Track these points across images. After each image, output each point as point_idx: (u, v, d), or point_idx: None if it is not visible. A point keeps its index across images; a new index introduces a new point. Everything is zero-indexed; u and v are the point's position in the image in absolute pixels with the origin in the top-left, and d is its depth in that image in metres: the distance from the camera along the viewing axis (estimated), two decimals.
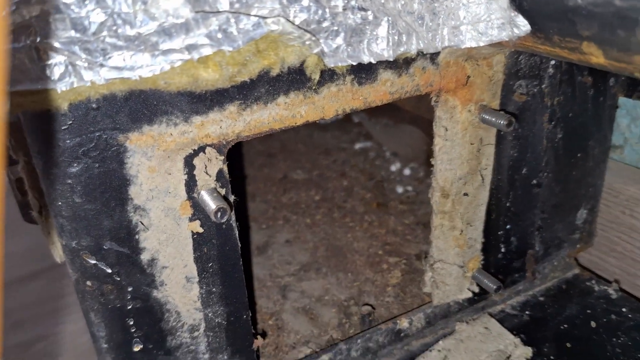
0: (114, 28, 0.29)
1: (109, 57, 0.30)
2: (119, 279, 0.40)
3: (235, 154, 1.06)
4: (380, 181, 0.94)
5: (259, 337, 0.50)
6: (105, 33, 0.29)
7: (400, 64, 0.45)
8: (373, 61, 0.39)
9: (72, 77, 0.31)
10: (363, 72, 0.43)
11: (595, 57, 0.33)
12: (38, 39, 0.28)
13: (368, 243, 0.77)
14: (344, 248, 0.76)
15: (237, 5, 0.32)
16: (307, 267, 0.73)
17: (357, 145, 1.08)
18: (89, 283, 0.40)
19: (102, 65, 0.31)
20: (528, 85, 0.53)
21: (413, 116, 1.04)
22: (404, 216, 0.83)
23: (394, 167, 0.98)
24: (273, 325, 0.62)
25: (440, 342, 0.57)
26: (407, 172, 0.96)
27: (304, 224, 0.83)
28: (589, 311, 0.63)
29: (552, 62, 0.53)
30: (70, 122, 0.34)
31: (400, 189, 0.91)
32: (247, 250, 0.76)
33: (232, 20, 0.32)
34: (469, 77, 0.49)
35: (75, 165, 0.36)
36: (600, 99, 0.58)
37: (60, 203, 0.36)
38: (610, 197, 0.69)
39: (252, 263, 0.73)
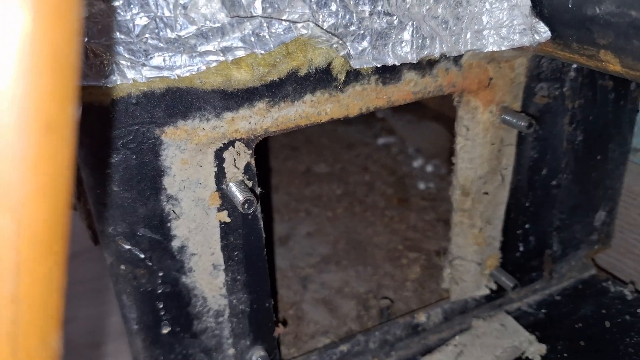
0: (156, 31, 0.32)
1: (151, 58, 0.33)
2: (150, 263, 0.43)
3: (262, 148, 1.09)
4: (402, 177, 0.95)
5: (280, 325, 0.52)
6: (147, 35, 0.31)
7: (424, 65, 0.46)
8: (397, 64, 0.41)
9: (116, 75, 0.33)
10: (387, 72, 0.45)
11: (612, 64, 0.34)
12: (86, 39, 0.31)
13: (388, 238, 0.78)
14: (364, 242, 0.78)
15: (269, 11, 0.34)
16: (328, 259, 0.75)
17: (380, 141, 1.09)
18: (122, 267, 0.42)
19: (144, 65, 0.33)
20: (549, 87, 0.54)
21: (436, 113, 1.05)
22: (424, 212, 0.84)
23: (416, 164, 0.99)
24: (293, 315, 0.64)
25: (457, 337, 0.59)
26: (429, 168, 0.97)
27: (325, 217, 0.85)
28: (603, 311, 0.64)
29: (574, 65, 0.54)
30: (112, 116, 0.36)
31: (422, 185, 0.92)
32: (271, 242, 0.78)
33: (265, 24, 0.34)
34: (491, 79, 0.50)
35: (114, 156, 0.38)
36: (620, 102, 0.59)
37: (98, 191, 0.39)
38: (629, 199, 0.69)
39: (274, 254, 0.75)
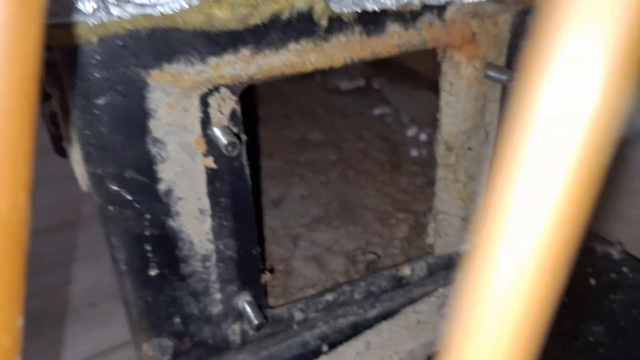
0: None
1: None
2: (138, 206, 0.44)
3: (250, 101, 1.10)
4: (396, 144, 0.96)
5: (267, 272, 0.54)
6: None
7: (408, 18, 0.47)
8: (377, 9, 0.42)
9: (102, 11, 0.34)
10: (371, 24, 0.46)
11: None
12: None
13: (379, 200, 0.80)
14: (356, 204, 0.79)
15: None
16: (319, 220, 0.76)
17: (376, 111, 1.10)
18: (111, 208, 0.44)
19: (128, 2, 0.34)
20: None
21: (431, 82, 1.06)
22: (416, 177, 0.86)
23: (410, 132, 1.00)
24: (283, 270, 0.66)
25: (440, 289, 0.60)
26: (423, 136, 0.98)
27: (319, 181, 0.86)
28: (589, 269, 0.65)
29: None
30: (99, 57, 0.38)
31: (414, 153, 0.93)
32: (259, 199, 0.80)
33: None
34: (474, 34, 0.51)
35: (102, 97, 0.39)
36: None
37: (87, 132, 0.40)
38: (618, 163, 0.71)
39: (263, 212, 0.77)
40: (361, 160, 0.92)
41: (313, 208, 0.79)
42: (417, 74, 1.10)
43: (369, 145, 0.97)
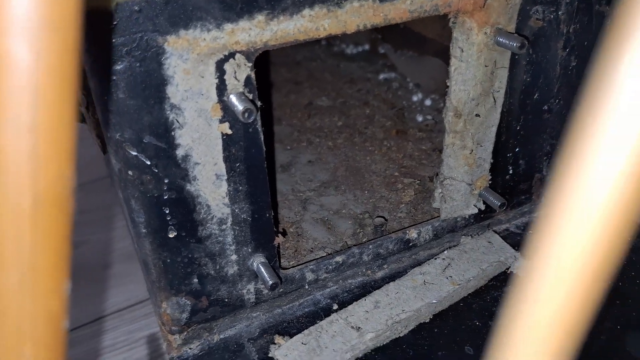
0: None
1: None
2: (156, 170, 0.45)
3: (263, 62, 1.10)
4: (402, 110, 0.97)
5: (279, 235, 0.56)
6: None
7: None
8: None
9: None
10: None
11: None
12: None
13: (385, 165, 0.81)
14: (363, 169, 0.80)
15: None
16: (327, 184, 0.78)
17: (382, 76, 1.10)
18: (130, 172, 0.45)
19: None
20: (545, 11, 0.55)
21: (438, 48, 1.05)
22: (421, 143, 0.87)
23: (415, 98, 1.00)
24: (293, 232, 0.68)
25: (445, 251, 0.62)
26: (428, 102, 0.98)
27: (326, 146, 0.87)
28: None
29: None
30: (116, 22, 0.38)
31: (420, 118, 0.94)
32: (273, 165, 0.81)
33: None
34: (486, 0, 0.52)
35: (119, 63, 0.40)
36: None
37: (105, 98, 0.41)
38: None
39: (276, 177, 0.79)
40: (367, 126, 0.93)
41: (321, 173, 0.80)
42: (423, 39, 1.09)
43: (375, 110, 0.98)
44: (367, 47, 1.22)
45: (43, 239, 0.17)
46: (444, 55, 1.06)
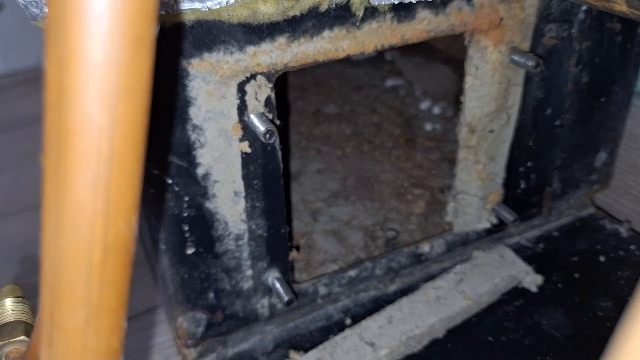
0: None
1: None
2: (177, 188, 0.46)
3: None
4: (409, 118, 0.98)
5: (294, 250, 0.56)
6: None
7: (438, 4, 0.48)
8: (413, 0, 0.42)
9: None
10: (402, 10, 0.47)
11: (618, 5, 0.36)
12: None
13: (395, 175, 0.81)
14: (372, 179, 0.81)
15: None
16: (337, 194, 0.78)
17: (389, 83, 1.11)
18: (152, 190, 0.45)
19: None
20: (558, 29, 0.56)
21: (445, 56, 1.06)
22: (430, 152, 0.87)
23: (423, 105, 1.01)
24: (304, 244, 0.68)
25: (458, 266, 0.63)
26: (436, 110, 0.99)
27: (335, 155, 0.88)
28: (599, 247, 0.68)
29: (583, 7, 0.55)
30: None
31: (428, 127, 0.94)
32: (287, 175, 0.81)
33: None
34: (501, 18, 0.52)
35: None
36: (627, 45, 0.60)
37: None
38: (630, 142, 0.72)
39: (290, 189, 0.79)
40: (375, 134, 0.93)
41: (330, 182, 0.81)
42: (430, 47, 1.10)
43: (383, 118, 0.98)
44: (373, 53, 1.22)
45: (109, 283, 0.18)
46: (452, 63, 1.07)
